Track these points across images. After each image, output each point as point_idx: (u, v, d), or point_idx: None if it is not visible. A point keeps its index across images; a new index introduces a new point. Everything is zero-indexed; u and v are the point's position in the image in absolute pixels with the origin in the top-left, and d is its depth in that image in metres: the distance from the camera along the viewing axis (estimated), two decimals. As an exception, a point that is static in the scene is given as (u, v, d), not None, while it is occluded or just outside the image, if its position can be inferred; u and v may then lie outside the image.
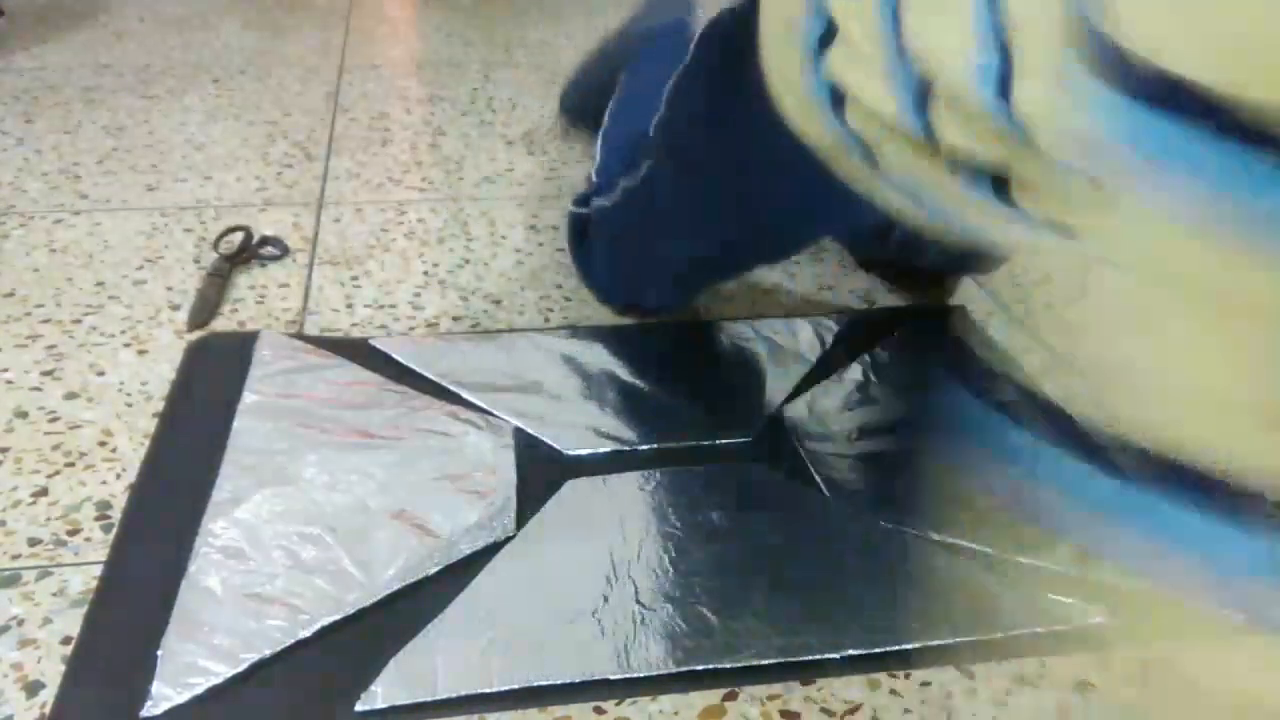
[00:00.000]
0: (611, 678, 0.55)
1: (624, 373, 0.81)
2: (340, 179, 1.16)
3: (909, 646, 0.57)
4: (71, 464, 0.69)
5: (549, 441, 0.73)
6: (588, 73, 1.15)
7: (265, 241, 0.98)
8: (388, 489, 0.66)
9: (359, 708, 0.52)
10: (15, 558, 0.62)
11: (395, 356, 0.81)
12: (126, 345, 0.83)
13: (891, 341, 0.87)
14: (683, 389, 0.80)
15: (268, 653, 0.55)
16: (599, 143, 0.97)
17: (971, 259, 0.94)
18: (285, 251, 0.99)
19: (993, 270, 0.98)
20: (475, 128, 1.33)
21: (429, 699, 0.53)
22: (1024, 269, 1.01)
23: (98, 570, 0.60)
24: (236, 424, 0.71)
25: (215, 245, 0.97)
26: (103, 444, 0.71)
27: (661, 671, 0.55)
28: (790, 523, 0.66)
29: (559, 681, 0.54)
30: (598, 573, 0.61)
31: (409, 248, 1.01)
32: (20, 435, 0.72)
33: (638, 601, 0.59)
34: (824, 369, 0.83)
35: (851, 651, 0.57)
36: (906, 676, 0.56)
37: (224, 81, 1.45)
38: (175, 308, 0.89)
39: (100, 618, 0.57)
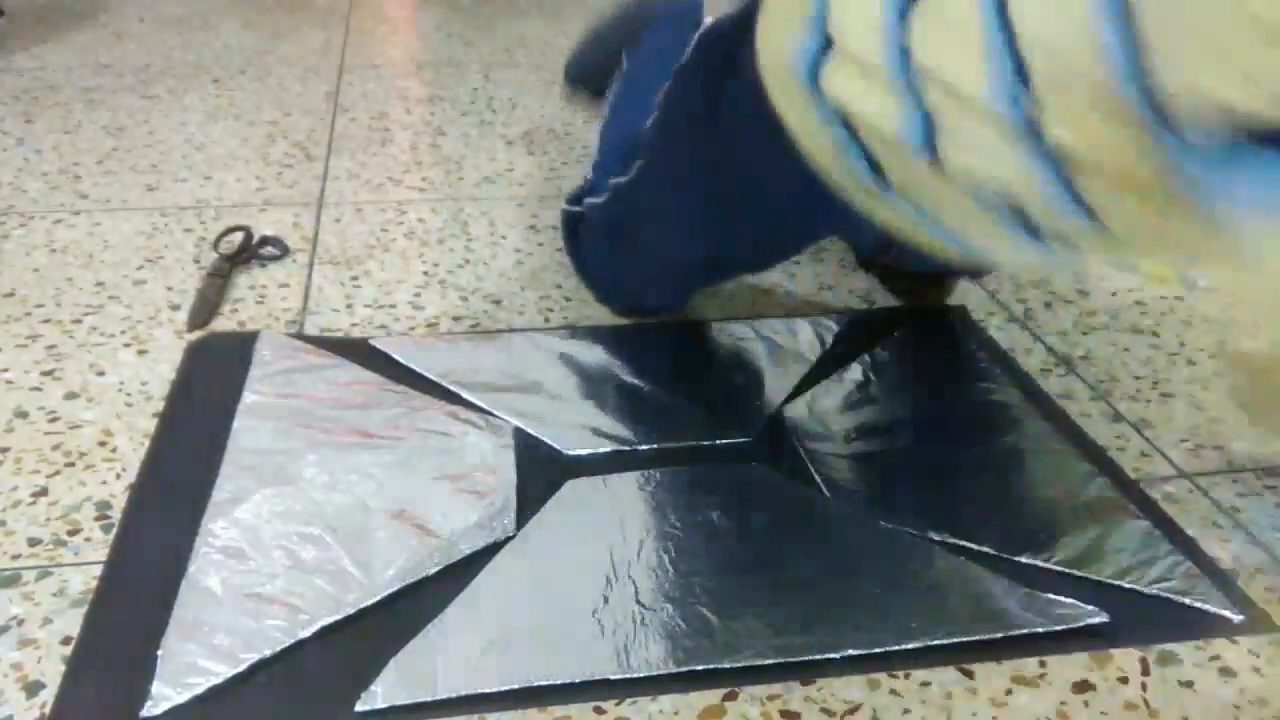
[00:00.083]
0: (611, 678, 0.55)
1: (624, 373, 0.81)
2: (340, 179, 1.16)
3: (909, 646, 0.57)
4: (71, 464, 0.69)
5: (549, 441, 0.73)
6: (592, 44, 1.14)
7: (265, 241, 0.98)
8: (388, 489, 0.66)
9: (359, 708, 0.52)
10: (15, 558, 0.62)
11: (395, 356, 0.81)
12: (126, 345, 0.83)
13: (891, 341, 0.87)
14: (682, 389, 0.80)
15: (268, 653, 0.55)
16: (597, 136, 0.97)
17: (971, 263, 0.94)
18: (285, 251, 0.99)
19: (992, 271, 0.98)
20: (475, 128, 1.33)
21: (429, 699, 0.53)
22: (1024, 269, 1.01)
23: (98, 570, 0.60)
24: (236, 424, 0.71)
25: (215, 245, 0.97)
26: (103, 444, 0.71)
27: (661, 671, 0.55)
28: (790, 523, 0.66)
29: (559, 681, 0.54)
30: (598, 573, 0.61)
31: (409, 248, 1.01)
32: (20, 435, 0.72)
33: (638, 601, 0.59)
34: (824, 369, 0.83)
35: (851, 651, 0.57)
36: (906, 676, 0.56)
37: (224, 81, 1.45)
38: (175, 308, 0.89)
39: (100, 618, 0.57)
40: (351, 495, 0.65)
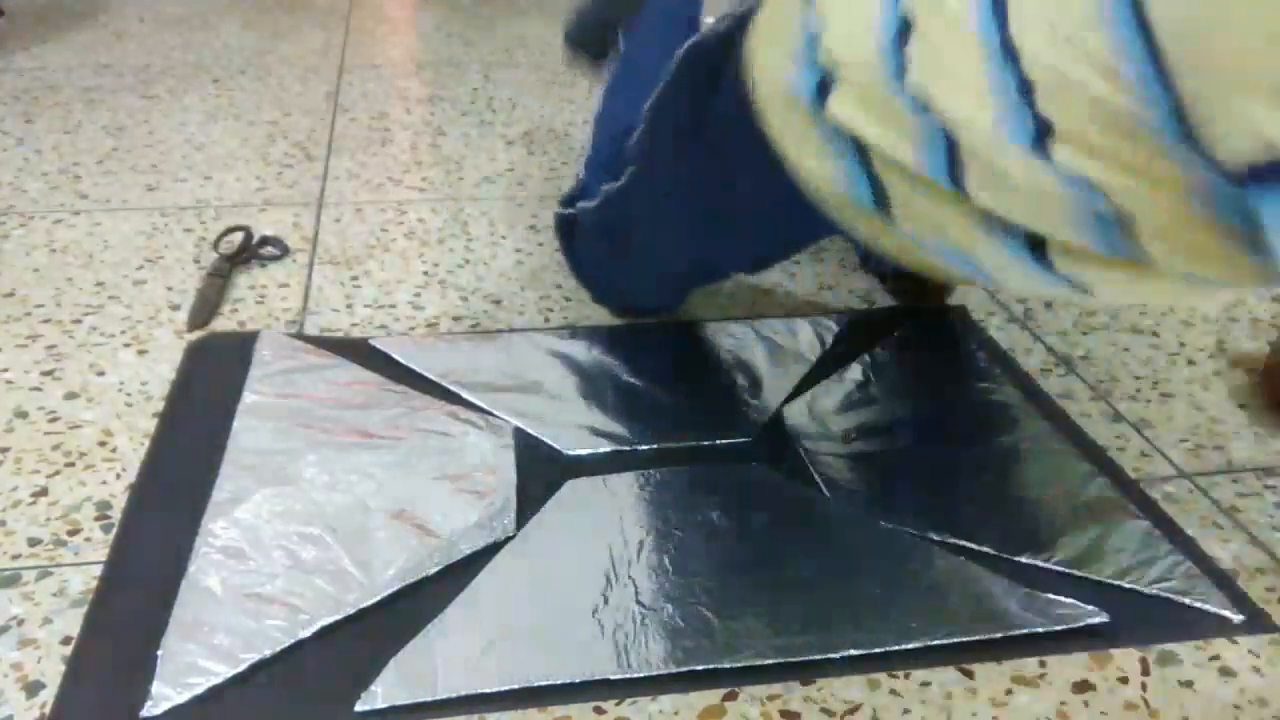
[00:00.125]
0: (611, 678, 0.55)
1: (624, 373, 0.81)
2: (340, 179, 1.16)
3: (909, 646, 0.57)
4: (71, 464, 0.69)
5: (549, 441, 0.73)
6: (591, 6, 1.12)
7: (265, 241, 0.98)
8: (388, 489, 0.66)
9: (359, 708, 0.52)
10: (15, 558, 0.62)
11: (395, 356, 0.81)
12: (126, 345, 0.83)
13: (891, 341, 0.87)
14: (682, 389, 0.80)
15: (268, 653, 0.55)
16: (593, 127, 0.96)
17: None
18: (285, 251, 0.99)
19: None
20: (475, 128, 1.33)
21: (429, 699, 0.53)
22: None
23: (98, 570, 0.60)
24: (236, 424, 0.71)
25: (215, 245, 0.97)
26: (103, 444, 0.71)
27: (661, 671, 0.55)
28: (790, 523, 0.66)
29: (559, 681, 0.54)
30: (597, 573, 0.61)
31: (409, 248, 1.01)
32: (20, 435, 0.72)
33: (638, 601, 0.59)
34: (824, 369, 0.83)
35: (851, 651, 0.56)
36: (906, 676, 0.56)
37: (224, 81, 1.46)
38: (175, 308, 0.89)
39: (100, 618, 0.57)
40: (351, 495, 0.65)
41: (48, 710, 0.52)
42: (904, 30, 0.52)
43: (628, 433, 0.74)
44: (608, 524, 0.65)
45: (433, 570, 0.61)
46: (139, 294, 0.91)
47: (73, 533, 0.64)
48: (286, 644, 0.55)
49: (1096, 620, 0.59)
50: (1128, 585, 0.62)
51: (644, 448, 0.73)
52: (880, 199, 0.59)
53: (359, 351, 0.81)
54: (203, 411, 0.74)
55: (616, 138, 0.83)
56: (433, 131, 1.31)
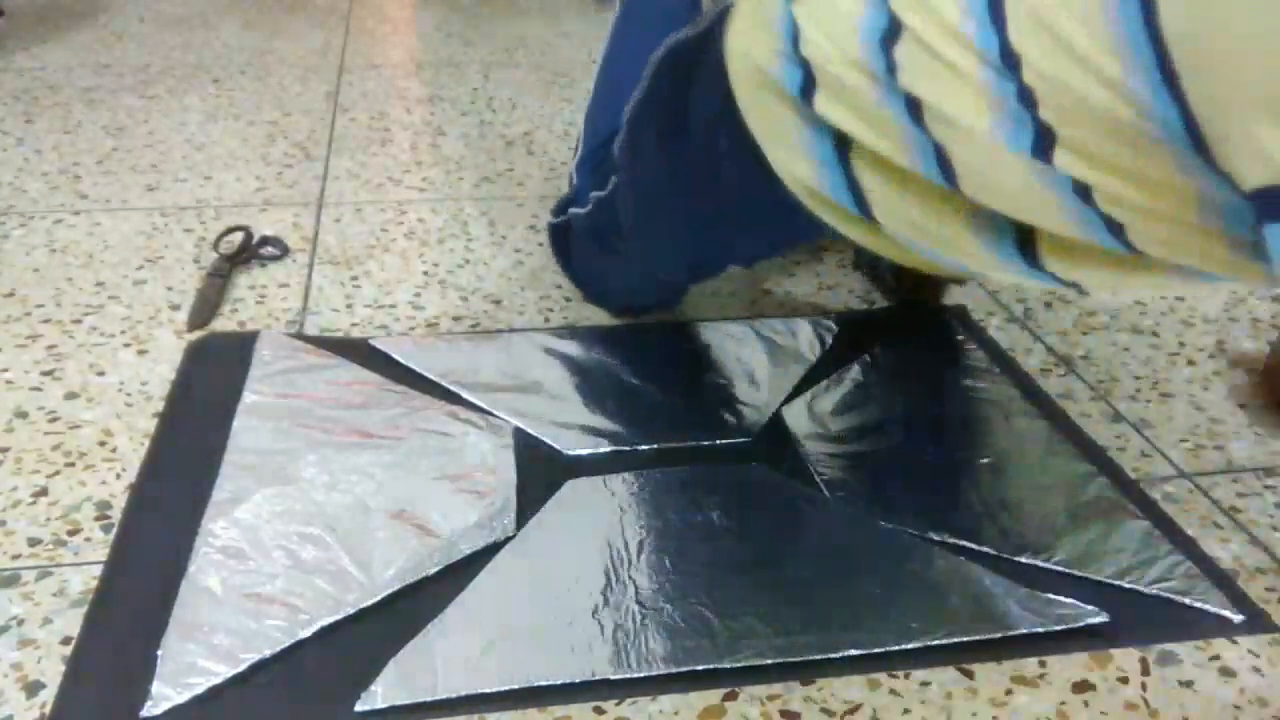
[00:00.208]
0: (611, 678, 0.54)
1: (624, 373, 0.81)
2: (340, 179, 1.16)
3: (909, 646, 0.57)
4: (71, 464, 0.69)
5: (549, 441, 0.73)
6: None
7: (265, 241, 0.98)
8: (388, 489, 0.66)
9: (359, 708, 0.52)
10: (15, 558, 0.62)
11: (395, 356, 0.81)
12: (126, 345, 0.83)
13: (891, 341, 0.87)
14: (683, 389, 0.80)
15: (268, 653, 0.55)
16: (583, 122, 0.96)
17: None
18: (285, 251, 0.99)
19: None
20: (475, 128, 1.33)
21: (429, 699, 0.53)
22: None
23: (98, 570, 0.60)
24: (236, 424, 0.71)
25: (215, 245, 0.97)
26: (103, 444, 0.71)
27: (661, 671, 0.55)
28: (790, 523, 0.66)
29: (559, 681, 0.54)
30: (598, 573, 0.61)
31: (409, 248, 1.01)
32: (20, 435, 0.72)
33: (638, 601, 0.59)
34: (824, 369, 0.83)
35: (851, 651, 0.56)
36: (906, 676, 0.56)
37: (224, 81, 1.46)
38: (175, 308, 0.89)
39: (100, 618, 0.57)
40: (351, 495, 0.65)
41: (48, 710, 0.52)
42: (892, 31, 0.52)
43: (627, 433, 0.74)
44: (608, 524, 0.65)
45: (433, 570, 0.61)
46: (139, 294, 0.91)
47: (73, 533, 0.64)
48: (286, 644, 0.55)
49: (1096, 620, 0.59)
50: (1128, 585, 0.62)
51: (644, 448, 0.73)
52: (860, 202, 0.59)
53: (359, 351, 0.81)
54: (203, 411, 0.74)
55: (605, 141, 0.83)
56: (433, 131, 1.31)
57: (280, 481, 0.66)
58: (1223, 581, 0.63)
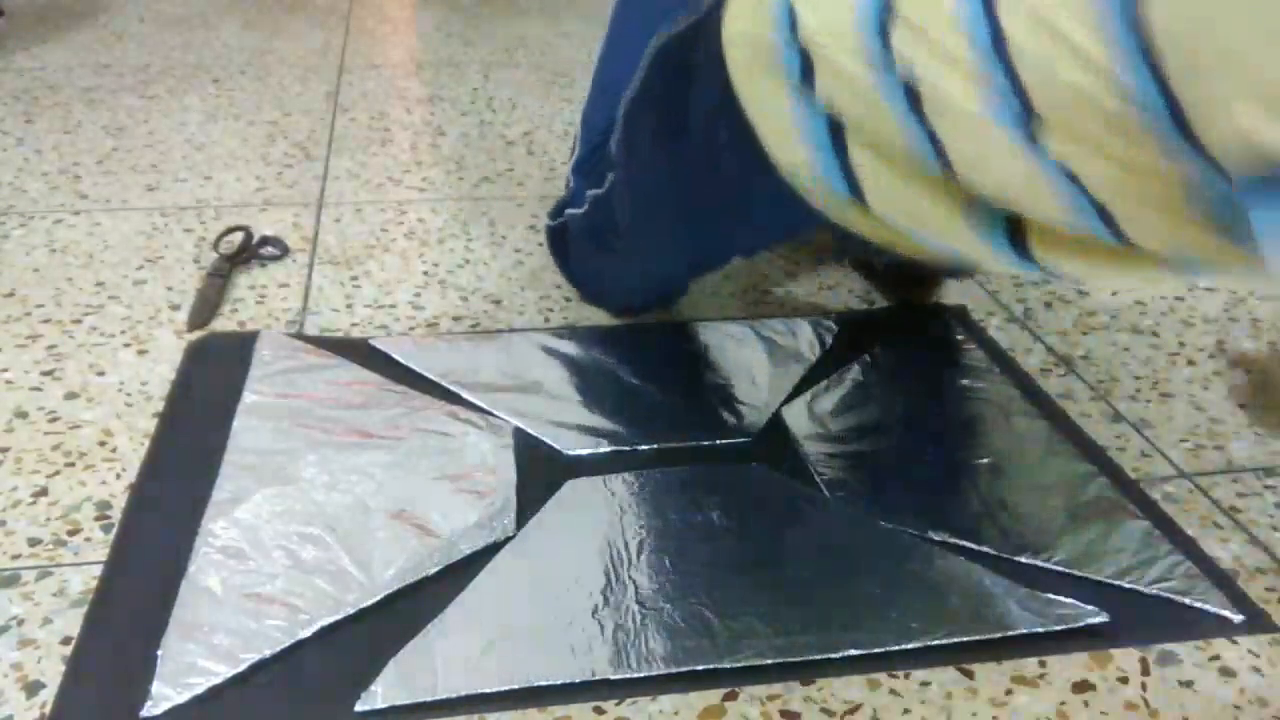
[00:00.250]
0: (611, 678, 0.54)
1: (624, 373, 0.81)
2: (340, 179, 1.16)
3: (909, 646, 0.57)
4: (71, 464, 0.69)
5: (549, 441, 0.73)
6: None
7: (265, 241, 0.98)
8: (388, 489, 0.66)
9: (359, 708, 0.52)
10: (15, 558, 0.62)
11: (395, 356, 0.81)
12: (126, 345, 0.83)
13: (891, 341, 0.87)
14: (682, 389, 0.80)
15: (268, 653, 0.55)
16: (580, 121, 0.96)
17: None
18: (285, 251, 0.99)
19: (976, 271, 0.98)
20: (475, 128, 1.33)
21: (429, 699, 0.53)
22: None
23: (98, 570, 0.60)
24: (236, 424, 0.71)
25: (215, 245, 0.97)
26: (103, 444, 0.71)
27: (661, 671, 0.55)
28: (790, 523, 0.66)
29: (559, 681, 0.54)
30: (598, 573, 0.61)
31: (409, 248, 1.01)
32: (20, 435, 0.72)
33: (638, 601, 0.59)
34: (824, 369, 0.83)
35: (851, 651, 0.56)
36: (906, 676, 0.56)
37: (224, 81, 1.46)
38: (175, 308, 0.89)
39: (100, 618, 0.57)
40: (351, 495, 0.65)
41: (48, 710, 0.52)
42: (888, 15, 0.52)
43: (627, 433, 0.74)
44: (608, 524, 0.65)
45: (433, 570, 0.61)
46: (139, 294, 0.91)
47: (73, 533, 0.64)
48: (286, 644, 0.55)
49: (1096, 620, 0.59)
50: (1128, 585, 0.62)
51: (644, 448, 0.73)
52: (855, 188, 0.59)
53: (359, 351, 0.81)
54: (203, 411, 0.74)
55: (600, 143, 0.83)
56: (433, 131, 1.31)
57: (280, 481, 0.66)
58: (1223, 581, 0.63)
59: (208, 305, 0.88)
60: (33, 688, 0.53)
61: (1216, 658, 0.58)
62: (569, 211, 0.88)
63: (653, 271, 0.85)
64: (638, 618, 0.58)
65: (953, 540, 0.65)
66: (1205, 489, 0.72)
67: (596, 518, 0.65)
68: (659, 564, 0.62)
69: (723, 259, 0.86)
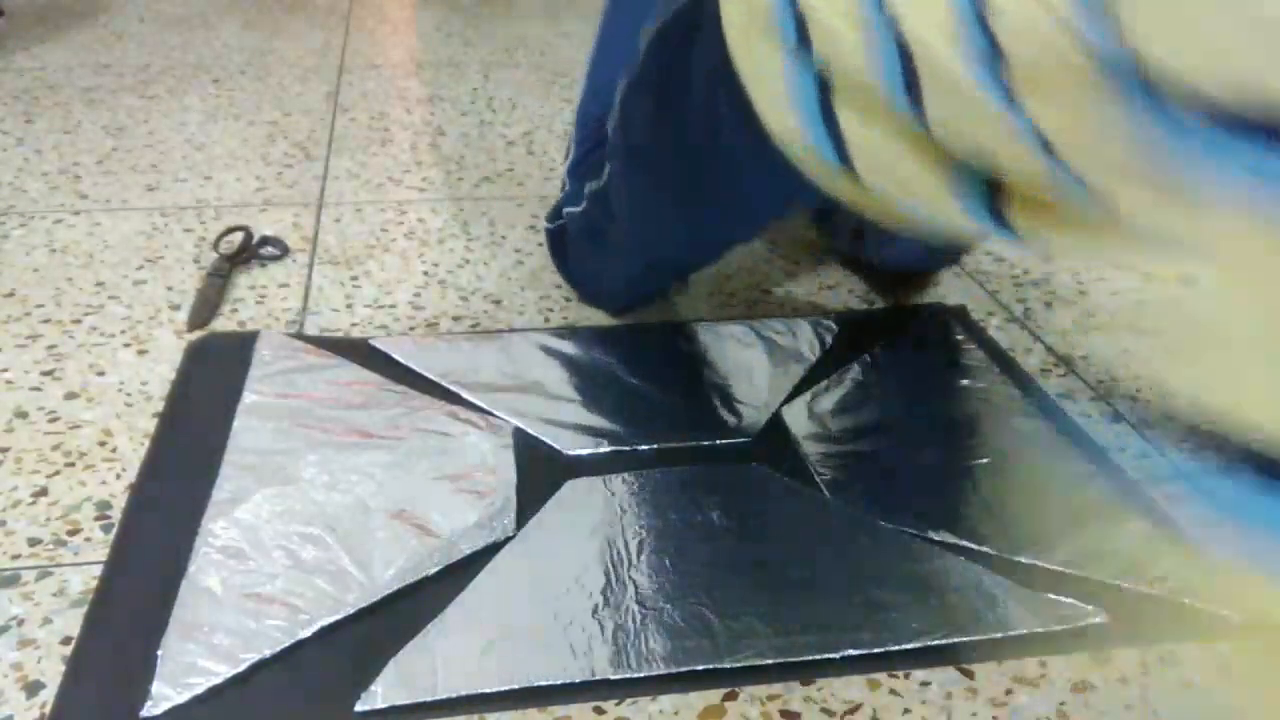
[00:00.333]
0: (611, 678, 0.54)
1: (624, 373, 0.81)
2: (340, 179, 1.16)
3: (909, 646, 0.57)
4: (71, 464, 0.69)
5: (549, 441, 0.73)
6: None
7: (265, 241, 0.98)
8: (388, 489, 0.66)
9: (359, 708, 0.52)
10: (15, 558, 0.62)
11: (395, 356, 0.81)
12: (126, 345, 0.83)
13: (891, 341, 0.87)
14: (683, 389, 0.80)
15: (268, 653, 0.55)
16: (575, 122, 0.96)
17: (939, 255, 0.95)
18: (285, 251, 0.99)
19: (966, 253, 0.98)
20: (475, 128, 1.33)
21: (429, 699, 0.53)
22: (1024, 270, 1.02)
23: (98, 570, 0.60)
24: (236, 424, 0.71)
25: (215, 245, 0.97)
26: (103, 444, 0.71)
27: (661, 671, 0.55)
28: (790, 523, 0.66)
29: (559, 681, 0.54)
30: (598, 573, 0.61)
31: (409, 248, 1.01)
32: (20, 435, 0.72)
33: (638, 601, 0.59)
34: (824, 369, 0.83)
35: (851, 651, 0.56)
36: (906, 676, 0.56)
37: (224, 81, 1.46)
38: (175, 308, 0.89)
39: (100, 618, 0.57)
40: (351, 495, 0.65)
41: (48, 710, 0.52)
42: None
43: (627, 433, 0.74)
44: (607, 524, 0.65)
45: (433, 570, 0.61)
46: (139, 294, 0.91)
47: (73, 533, 0.64)
48: (286, 644, 0.55)
49: (1096, 620, 0.59)
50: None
51: (644, 448, 0.73)
52: (843, 155, 0.59)
53: (359, 351, 0.81)
54: (203, 411, 0.74)
55: (595, 145, 0.83)
56: (433, 131, 1.31)
57: (280, 481, 0.66)
58: (1223, 581, 0.63)
59: (208, 305, 0.88)
60: (33, 688, 0.53)
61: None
62: (567, 210, 0.88)
63: (654, 260, 0.85)
64: (638, 618, 0.58)
65: (953, 540, 0.65)
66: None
67: (596, 518, 0.65)
68: (659, 564, 0.62)
69: (720, 245, 0.86)
